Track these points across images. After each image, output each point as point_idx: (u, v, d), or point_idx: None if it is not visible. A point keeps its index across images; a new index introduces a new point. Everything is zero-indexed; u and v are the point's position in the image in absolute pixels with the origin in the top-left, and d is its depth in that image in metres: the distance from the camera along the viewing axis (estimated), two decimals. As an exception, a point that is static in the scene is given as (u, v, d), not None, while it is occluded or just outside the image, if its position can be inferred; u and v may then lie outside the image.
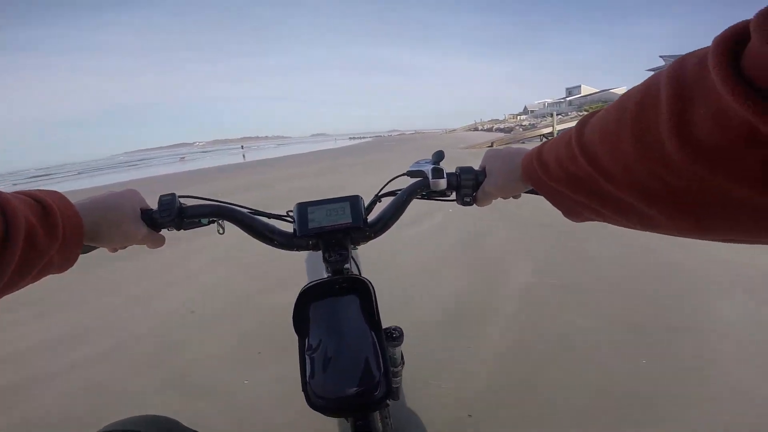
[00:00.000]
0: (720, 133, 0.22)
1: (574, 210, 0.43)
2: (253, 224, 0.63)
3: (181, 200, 0.61)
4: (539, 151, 0.46)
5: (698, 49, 0.24)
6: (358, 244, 0.67)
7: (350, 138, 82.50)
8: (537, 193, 0.50)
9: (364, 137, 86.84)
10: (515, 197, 0.61)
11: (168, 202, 0.59)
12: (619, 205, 0.35)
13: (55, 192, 0.45)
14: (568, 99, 55.63)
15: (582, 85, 64.02)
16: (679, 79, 0.25)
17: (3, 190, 0.39)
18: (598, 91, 56.09)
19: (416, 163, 0.70)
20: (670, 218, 0.30)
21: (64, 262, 0.45)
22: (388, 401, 0.49)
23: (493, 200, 0.63)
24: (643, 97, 0.28)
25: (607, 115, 0.33)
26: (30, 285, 0.42)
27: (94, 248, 0.55)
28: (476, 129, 47.74)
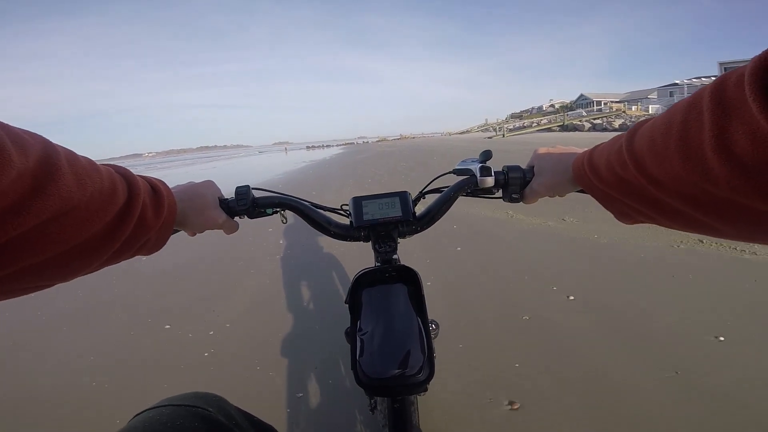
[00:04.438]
0: (756, 153, 0.23)
1: (624, 213, 0.45)
2: (313, 215, 0.68)
3: (253, 191, 0.66)
4: (590, 154, 0.47)
5: (741, 67, 0.24)
6: (405, 237, 0.69)
7: (308, 147, 63.54)
8: (586, 193, 0.52)
9: (328, 145, 70.08)
10: (561, 196, 0.62)
11: (244, 192, 0.64)
12: (668, 210, 0.36)
13: (161, 180, 0.50)
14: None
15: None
16: (720, 98, 0.25)
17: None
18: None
19: (462, 161, 0.71)
20: (717, 224, 0.32)
21: (156, 244, 0.48)
22: (427, 385, 0.52)
23: (540, 198, 0.64)
24: (687, 112, 0.29)
25: (655, 126, 0.33)
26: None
27: (177, 231, 0.58)
28: (549, 129, 31.97)
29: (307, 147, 68.37)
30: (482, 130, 60.31)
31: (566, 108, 68.98)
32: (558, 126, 30.76)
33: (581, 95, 61.62)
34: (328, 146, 62.28)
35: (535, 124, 37.45)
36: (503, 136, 28.75)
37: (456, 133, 65.78)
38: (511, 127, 34.78)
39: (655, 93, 45.82)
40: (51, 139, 0.33)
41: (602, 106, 54.22)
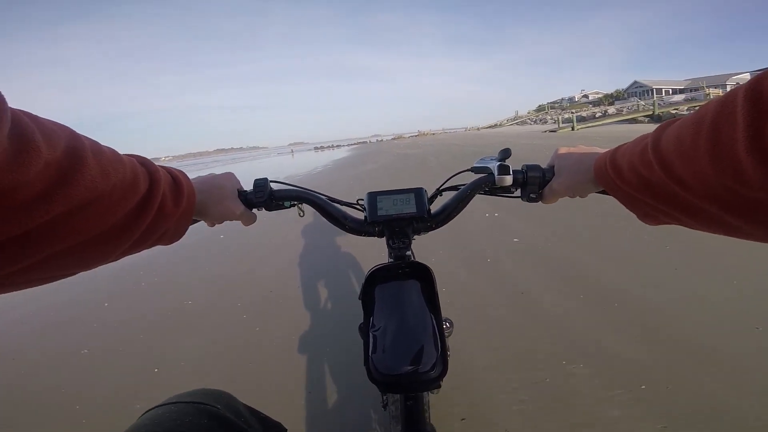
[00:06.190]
0: None
1: (648, 214, 0.44)
2: (329, 210, 0.68)
3: (272, 184, 0.67)
4: (613, 154, 0.47)
5: None
6: (419, 234, 0.69)
7: (316, 148, 56.62)
8: (607, 194, 0.51)
9: (338, 145, 63.05)
10: (582, 197, 0.60)
11: (262, 185, 0.65)
12: (695, 211, 0.35)
13: (181, 170, 0.50)
14: None
15: None
16: (757, 98, 0.25)
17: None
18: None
19: (481, 159, 0.71)
20: (745, 226, 0.31)
21: (176, 233, 0.48)
22: (440, 382, 0.52)
23: (560, 198, 0.62)
24: (719, 112, 0.28)
25: (684, 127, 0.32)
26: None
27: (196, 222, 0.59)
28: (634, 120, 22.98)
29: (315, 148, 61.10)
30: (518, 123, 51.98)
31: (611, 97, 60.17)
32: (645, 116, 22.46)
33: (635, 82, 52.34)
34: (337, 146, 55.10)
35: (599, 114, 29.13)
36: (572, 129, 20.73)
37: (485, 128, 57.63)
38: (561, 118, 26.79)
39: (747, 76, 36.90)
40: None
41: (663, 94, 45.51)
